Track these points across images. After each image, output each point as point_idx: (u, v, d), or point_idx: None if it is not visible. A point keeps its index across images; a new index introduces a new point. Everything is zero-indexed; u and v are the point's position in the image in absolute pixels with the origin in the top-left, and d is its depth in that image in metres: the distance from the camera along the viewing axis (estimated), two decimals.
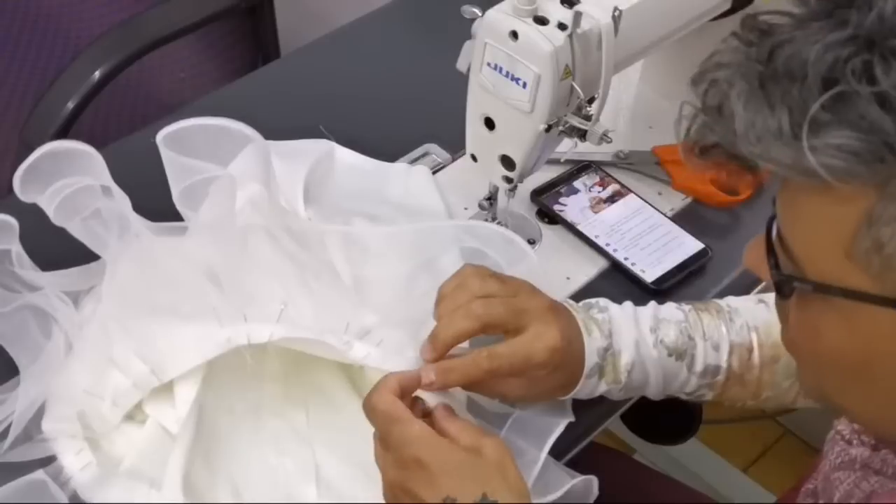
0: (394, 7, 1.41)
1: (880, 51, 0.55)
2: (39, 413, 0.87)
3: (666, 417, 1.16)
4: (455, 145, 1.12)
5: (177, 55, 1.56)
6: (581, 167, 1.13)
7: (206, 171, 0.90)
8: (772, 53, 0.59)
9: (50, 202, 0.89)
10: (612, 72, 0.91)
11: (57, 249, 0.92)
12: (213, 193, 0.91)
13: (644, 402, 0.94)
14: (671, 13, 1.02)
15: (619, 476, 1.17)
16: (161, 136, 0.88)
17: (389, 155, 1.14)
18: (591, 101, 0.93)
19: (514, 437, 0.85)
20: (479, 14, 0.90)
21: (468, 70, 0.94)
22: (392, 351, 0.86)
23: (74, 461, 0.84)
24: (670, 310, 0.90)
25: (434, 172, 1.13)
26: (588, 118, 0.92)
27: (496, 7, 0.90)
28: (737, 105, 0.59)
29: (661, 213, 1.10)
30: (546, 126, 0.91)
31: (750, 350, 0.90)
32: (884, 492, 0.69)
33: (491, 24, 0.89)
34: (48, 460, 0.85)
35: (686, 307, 0.91)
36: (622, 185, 1.12)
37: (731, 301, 0.93)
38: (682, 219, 1.10)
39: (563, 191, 1.11)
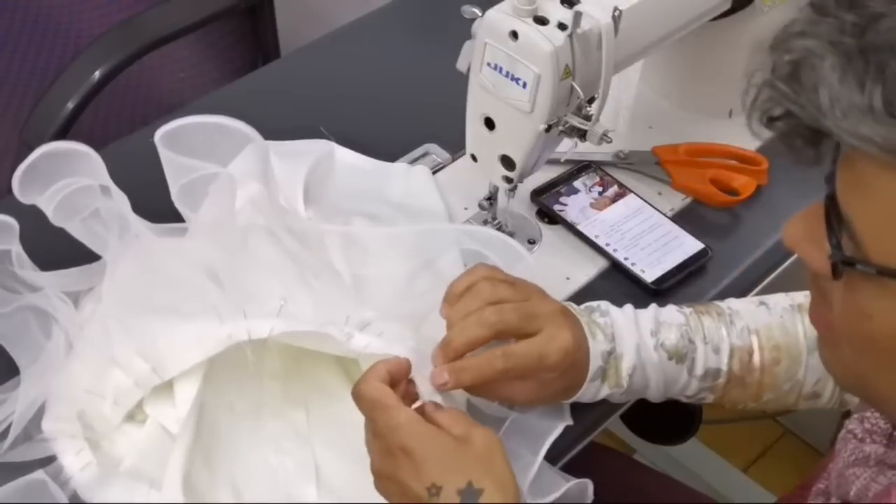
0: (394, 7, 1.40)
1: None
2: (39, 413, 0.87)
3: (666, 418, 1.16)
4: (455, 145, 1.12)
5: (177, 55, 1.56)
6: (581, 167, 1.13)
7: (204, 169, 0.90)
8: (866, 26, 0.56)
9: (49, 203, 0.89)
10: (612, 72, 0.91)
11: (57, 249, 0.92)
12: (212, 193, 0.91)
13: (644, 402, 0.94)
14: (671, 13, 1.02)
15: (619, 476, 1.17)
16: (159, 135, 0.88)
17: (389, 155, 1.14)
18: (591, 101, 0.93)
19: (511, 440, 0.85)
20: (479, 14, 0.90)
21: (468, 70, 0.94)
22: (393, 340, 0.86)
23: (74, 461, 0.84)
24: (671, 312, 0.90)
25: (434, 172, 1.13)
26: (588, 118, 0.92)
27: (496, 7, 0.90)
28: (825, 78, 0.57)
29: (661, 213, 1.10)
30: (546, 126, 0.91)
31: (750, 353, 0.89)
32: None
33: (491, 24, 0.89)
34: (48, 460, 0.85)
35: (687, 310, 0.91)
36: (622, 185, 1.12)
37: (732, 303, 0.92)
38: (682, 219, 1.10)
39: (563, 191, 1.11)
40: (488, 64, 0.91)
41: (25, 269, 0.91)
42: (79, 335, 0.90)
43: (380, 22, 1.37)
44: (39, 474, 0.83)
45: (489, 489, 0.72)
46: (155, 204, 0.93)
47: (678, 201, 1.13)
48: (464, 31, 0.92)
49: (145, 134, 1.15)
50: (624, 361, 0.86)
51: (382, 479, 0.76)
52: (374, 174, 1.11)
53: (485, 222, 1.07)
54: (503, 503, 0.72)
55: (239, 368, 0.88)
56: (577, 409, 0.90)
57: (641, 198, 1.11)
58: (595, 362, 0.85)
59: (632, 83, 1.25)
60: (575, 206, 1.09)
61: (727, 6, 1.08)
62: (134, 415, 0.87)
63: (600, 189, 1.11)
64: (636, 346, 0.87)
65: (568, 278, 1.04)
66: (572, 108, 0.93)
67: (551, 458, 0.87)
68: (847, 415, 0.82)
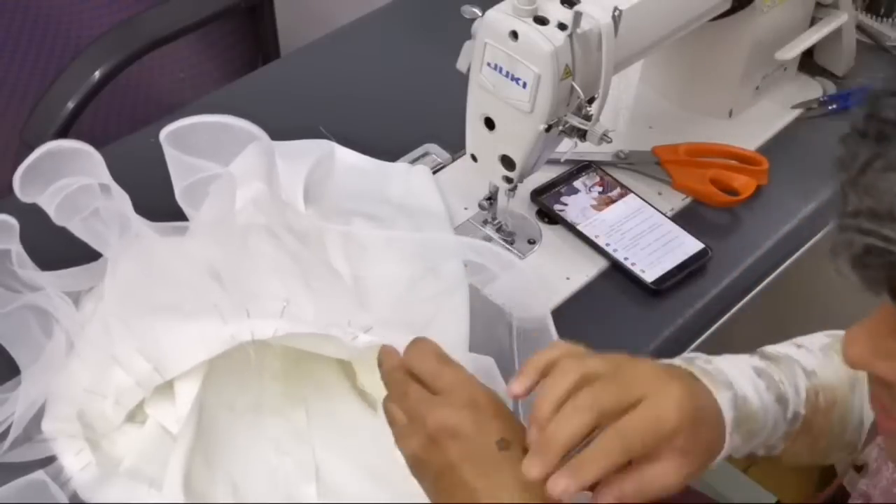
0: (394, 7, 1.41)
1: None
2: (39, 413, 0.87)
3: None
4: (455, 145, 1.12)
5: (177, 55, 1.56)
6: (581, 167, 1.13)
7: (209, 170, 0.90)
8: None
9: (50, 202, 0.89)
10: (612, 72, 0.91)
11: (57, 249, 0.92)
12: (213, 192, 0.91)
13: None
14: (671, 13, 1.02)
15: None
16: (164, 134, 0.88)
17: (389, 155, 1.14)
18: (591, 101, 0.93)
19: None
20: (479, 14, 0.90)
21: (468, 70, 0.94)
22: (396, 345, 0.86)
23: (74, 461, 0.84)
24: (745, 358, 0.84)
25: (434, 172, 1.13)
26: (588, 118, 0.92)
27: (496, 7, 0.90)
28: None
29: (661, 213, 1.10)
30: (546, 126, 0.91)
31: (816, 393, 0.85)
32: None
33: (491, 24, 0.89)
34: (48, 461, 0.85)
35: (753, 358, 0.85)
36: (622, 185, 1.12)
37: (777, 348, 0.87)
38: (682, 219, 1.10)
39: (563, 191, 1.11)
40: (488, 64, 0.91)
41: (26, 268, 0.91)
42: (79, 334, 0.90)
43: (380, 22, 1.37)
44: (39, 474, 0.83)
45: (515, 443, 0.72)
46: (155, 204, 0.93)
47: (678, 201, 1.13)
48: (464, 31, 0.92)
49: (145, 134, 1.16)
50: (749, 404, 0.78)
51: (444, 436, 0.72)
52: (374, 174, 1.11)
53: (485, 222, 1.07)
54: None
55: (239, 368, 0.88)
56: None
57: (641, 198, 1.11)
58: (727, 412, 0.76)
59: (632, 83, 1.25)
60: (575, 206, 1.09)
61: (727, 6, 1.08)
62: (134, 415, 0.87)
63: (600, 189, 1.11)
64: (754, 388, 0.80)
65: (568, 278, 1.04)
66: (572, 108, 0.93)
67: None
68: (859, 469, 0.81)
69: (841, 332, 0.66)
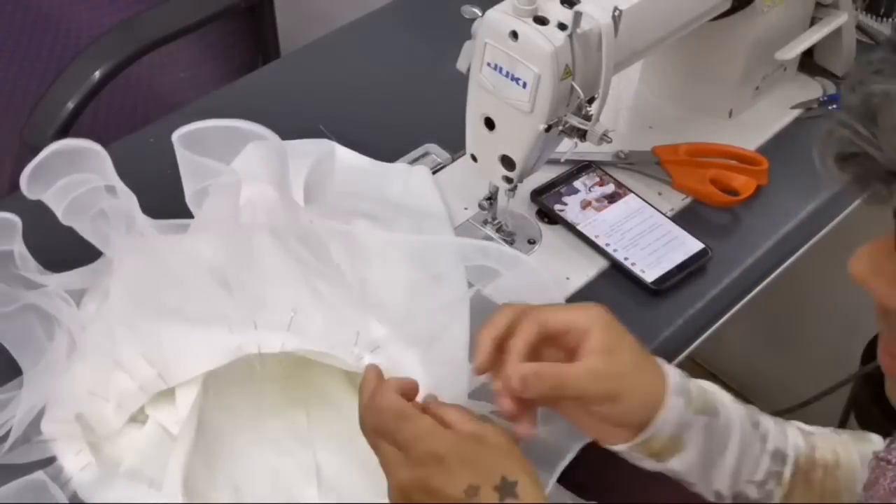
0: (394, 7, 1.41)
1: None
2: (39, 415, 0.87)
3: None
4: (455, 145, 1.12)
5: (177, 55, 1.56)
6: (581, 167, 1.13)
7: (221, 173, 0.90)
8: None
9: (58, 200, 0.89)
10: (612, 72, 0.91)
11: (57, 249, 0.92)
12: (215, 191, 0.91)
13: None
14: (671, 13, 1.02)
15: (618, 475, 1.16)
16: (177, 136, 0.88)
17: (389, 155, 1.14)
18: (591, 101, 0.93)
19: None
20: (479, 14, 0.90)
21: (468, 70, 0.94)
22: (403, 365, 0.86)
23: (74, 462, 0.84)
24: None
25: (434, 172, 1.13)
26: (588, 118, 0.92)
27: (496, 7, 0.90)
28: None
29: (661, 213, 1.10)
30: (546, 126, 0.91)
31: (813, 448, 0.85)
32: None
33: (491, 24, 0.89)
34: (48, 461, 0.85)
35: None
36: (622, 185, 1.12)
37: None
38: (682, 219, 1.10)
39: (563, 191, 1.11)
40: (488, 64, 0.91)
41: (28, 266, 0.91)
42: (81, 335, 0.89)
43: (380, 22, 1.37)
44: (39, 475, 0.83)
45: (522, 479, 0.71)
46: (155, 204, 0.93)
47: (678, 201, 1.13)
48: (464, 31, 0.92)
49: (145, 134, 1.16)
50: (706, 387, 0.81)
51: (414, 491, 0.74)
52: (374, 174, 1.11)
53: (485, 222, 1.07)
54: (537, 491, 0.71)
55: (240, 369, 0.88)
56: None
57: (641, 198, 1.11)
58: (674, 376, 0.80)
59: (632, 83, 1.25)
60: (575, 206, 1.09)
61: (727, 6, 1.08)
62: (134, 415, 0.87)
63: (600, 189, 1.11)
64: (714, 386, 0.82)
65: (568, 278, 1.04)
66: (572, 108, 0.93)
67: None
68: None
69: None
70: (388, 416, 0.76)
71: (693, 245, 1.07)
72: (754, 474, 0.83)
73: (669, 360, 1.01)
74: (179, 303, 0.88)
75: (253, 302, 0.87)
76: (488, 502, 0.70)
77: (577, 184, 1.12)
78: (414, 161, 1.15)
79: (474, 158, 1.00)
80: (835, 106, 1.23)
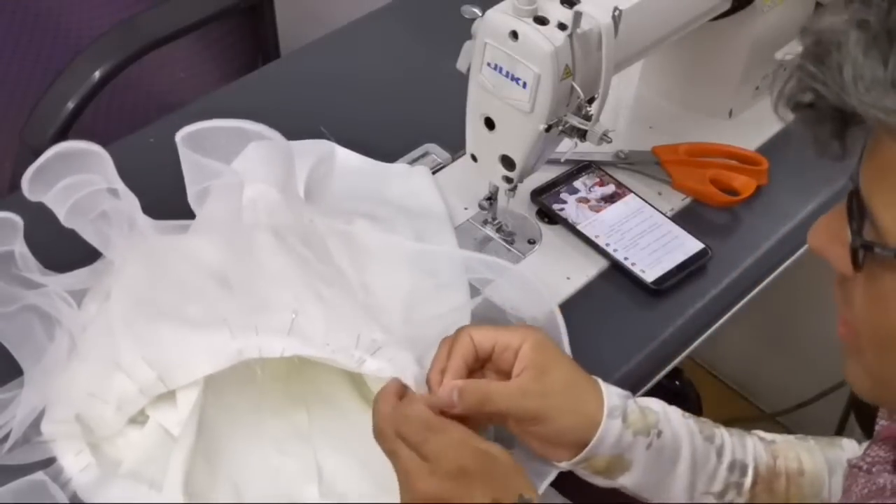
0: (394, 7, 1.41)
1: None
2: (40, 416, 0.87)
3: None
4: (455, 145, 1.12)
5: (177, 55, 1.56)
6: (581, 167, 1.13)
7: (224, 174, 0.90)
8: (891, 7, 0.57)
9: (60, 203, 0.89)
10: (612, 72, 0.91)
11: (59, 249, 0.92)
12: (216, 191, 0.91)
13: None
14: (671, 13, 1.02)
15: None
16: (181, 136, 0.88)
17: (389, 155, 1.14)
18: (591, 101, 0.93)
19: None
20: (479, 14, 0.90)
21: (468, 70, 0.94)
22: (402, 367, 0.86)
23: (74, 462, 0.84)
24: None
25: (434, 172, 1.13)
26: (588, 118, 0.92)
27: (496, 7, 0.90)
28: (849, 54, 0.57)
29: (661, 213, 1.10)
30: (546, 126, 0.91)
31: (775, 457, 0.86)
32: None
33: (491, 24, 0.89)
34: (48, 462, 0.85)
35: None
36: (622, 185, 1.12)
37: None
38: (682, 219, 1.10)
39: (563, 191, 1.11)
40: (488, 64, 0.91)
41: (29, 267, 0.91)
42: (82, 337, 0.89)
43: (380, 22, 1.37)
44: (39, 475, 0.83)
45: (534, 498, 0.73)
46: (154, 204, 0.93)
47: (678, 201, 1.13)
48: (464, 31, 0.92)
49: (145, 134, 1.15)
50: (651, 408, 0.82)
51: (437, 502, 0.74)
52: (374, 174, 1.11)
53: (485, 222, 1.07)
54: None
55: (240, 369, 0.88)
56: None
57: (641, 198, 1.11)
58: (611, 398, 0.81)
59: (632, 83, 1.25)
60: (575, 206, 1.09)
61: (727, 6, 1.08)
62: (134, 416, 0.87)
63: (600, 189, 1.11)
64: (662, 406, 0.83)
65: (568, 278, 1.04)
66: (572, 108, 0.93)
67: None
68: None
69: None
70: (416, 425, 0.76)
71: (693, 245, 1.07)
72: (711, 486, 0.84)
73: (669, 360, 1.02)
74: (180, 304, 0.88)
75: (254, 303, 0.87)
76: None
77: (578, 184, 1.12)
78: (414, 161, 1.15)
79: (474, 158, 1.00)
80: None
